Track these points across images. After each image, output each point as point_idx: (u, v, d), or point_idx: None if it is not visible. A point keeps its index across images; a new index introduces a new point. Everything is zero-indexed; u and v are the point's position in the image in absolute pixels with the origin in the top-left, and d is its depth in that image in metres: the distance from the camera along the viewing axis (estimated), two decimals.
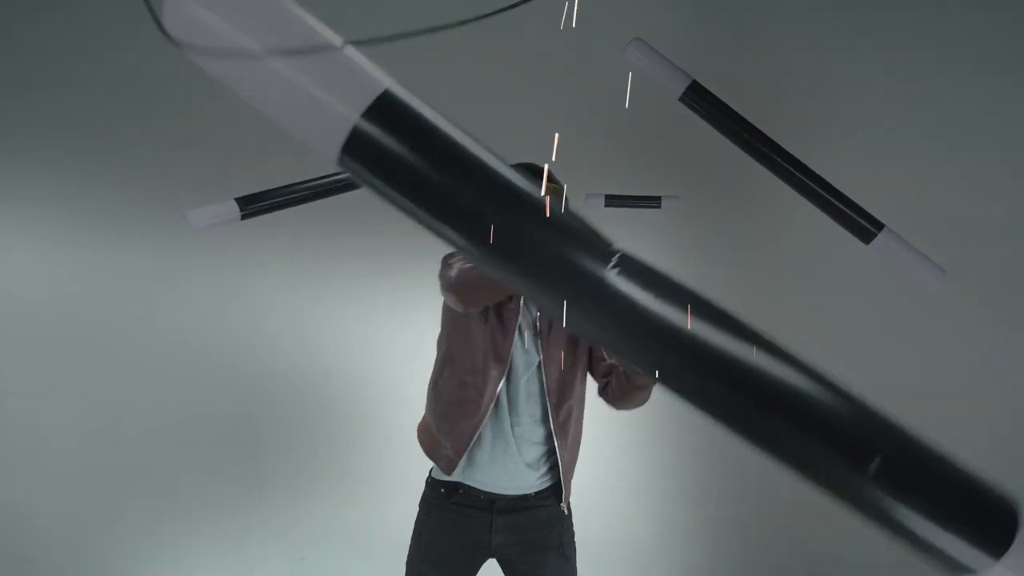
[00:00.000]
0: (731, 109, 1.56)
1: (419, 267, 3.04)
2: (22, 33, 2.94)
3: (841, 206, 1.59)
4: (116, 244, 2.98)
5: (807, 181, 1.58)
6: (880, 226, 1.60)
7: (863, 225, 1.60)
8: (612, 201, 2.36)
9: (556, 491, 1.87)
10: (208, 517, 3.00)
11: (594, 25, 2.80)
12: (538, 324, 1.84)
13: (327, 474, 3.03)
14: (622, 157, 2.91)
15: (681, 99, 1.56)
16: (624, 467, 3.11)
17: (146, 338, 2.99)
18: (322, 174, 2.07)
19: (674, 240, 2.97)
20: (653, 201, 2.49)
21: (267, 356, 3.02)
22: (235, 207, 1.84)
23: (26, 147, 2.97)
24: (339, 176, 2.04)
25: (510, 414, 1.80)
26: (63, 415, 2.97)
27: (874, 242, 1.60)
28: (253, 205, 1.89)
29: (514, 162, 1.61)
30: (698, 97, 1.54)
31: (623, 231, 2.70)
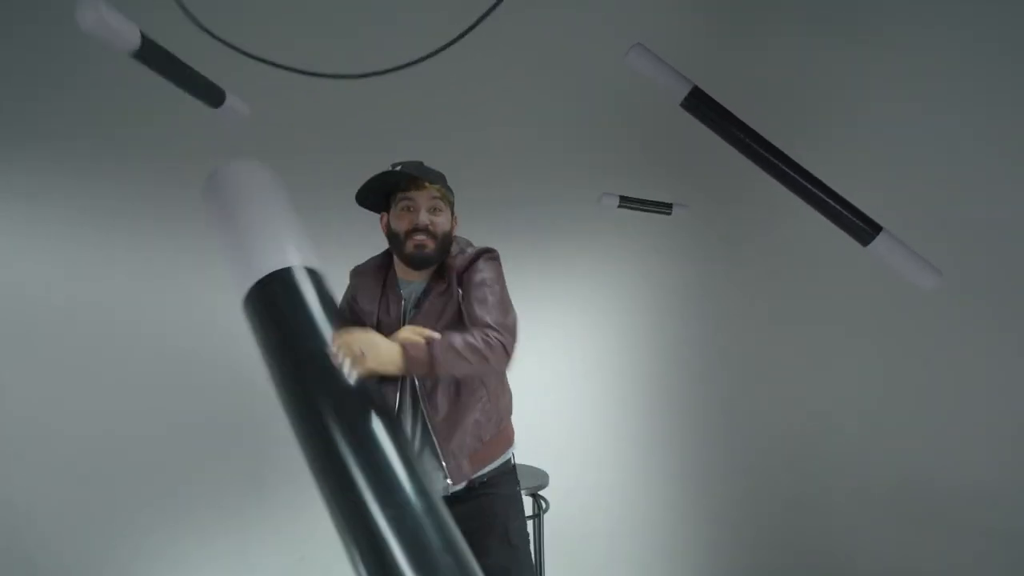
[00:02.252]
0: (732, 114, 1.56)
1: None
2: (22, 33, 2.93)
3: (840, 209, 1.60)
4: (116, 244, 2.98)
5: (806, 184, 1.59)
6: (878, 228, 1.61)
7: (861, 228, 1.61)
8: (626, 203, 2.37)
9: (506, 476, 1.85)
10: (208, 517, 3.00)
11: (597, 30, 2.81)
12: (405, 307, 1.80)
13: None
14: (623, 161, 2.92)
15: (682, 104, 1.57)
16: (623, 467, 3.12)
17: (146, 337, 2.99)
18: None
19: (675, 241, 2.99)
20: (664, 208, 2.50)
21: None
22: (137, 35, 1.58)
23: (26, 147, 2.97)
24: (215, 89, 1.90)
25: (425, 407, 1.76)
26: (63, 415, 2.97)
27: (872, 244, 1.61)
28: (148, 51, 1.62)
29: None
30: (699, 103, 1.55)
31: (624, 230, 2.72)
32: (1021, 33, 2.73)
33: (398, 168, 1.75)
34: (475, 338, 1.61)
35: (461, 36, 1.61)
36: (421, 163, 1.81)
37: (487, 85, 2.92)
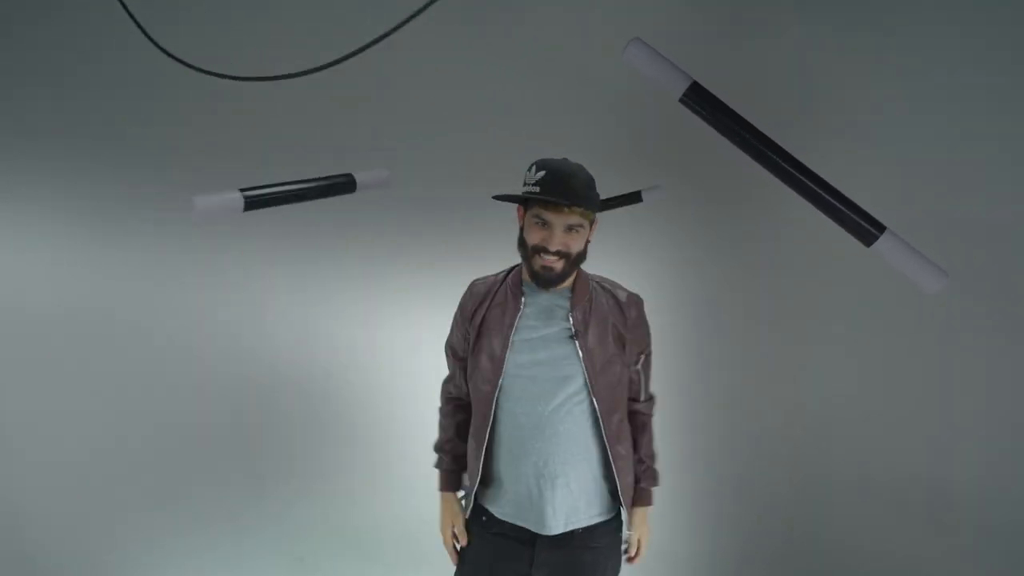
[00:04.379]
0: (732, 111, 1.53)
1: (420, 266, 3.04)
2: (22, 33, 2.93)
3: (843, 208, 1.57)
4: (116, 244, 2.98)
5: (808, 183, 1.56)
6: (882, 228, 1.58)
7: (865, 227, 1.58)
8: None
9: (610, 525, 1.74)
10: (208, 517, 3.00)
11: (594, 24, 2.79)
12: (570, 319, 1.65)
13: (327, 474, 3.03)
14: (621, 157, 2.91)
15: (681, 100, 1.54)
16: None
17: (146, 338, 2.99)
18: (324, 174, 2.06)
19: (675, 239, 2.97)
20: (634, 197, 2.45)
21: (267, 356, 3.02)
22: (239, 197, 1.80)
23: (26, 147, 2.97)
24: (342, 177, 2.02)
25: (541, 431, 1.62)
26: (63, 415, 2.97)
27: (876, 244, 1.58)
28: (256, 195, 1.82)
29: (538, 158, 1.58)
30: (698, 98, 1.52)
31: (623, 228, 2.70)
32: (1021, 32, 2.71)
33: (535, 187, 1.55)
34: (651, 437, 1.84)
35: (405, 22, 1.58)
36: (564, 169, 1.57)
37: (484, 84, 2.91)
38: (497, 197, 1.62)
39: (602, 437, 1.65)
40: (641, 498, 1.79)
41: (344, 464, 3.04)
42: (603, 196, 2.45)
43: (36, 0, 2.93)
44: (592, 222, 1.65)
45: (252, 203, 1.77)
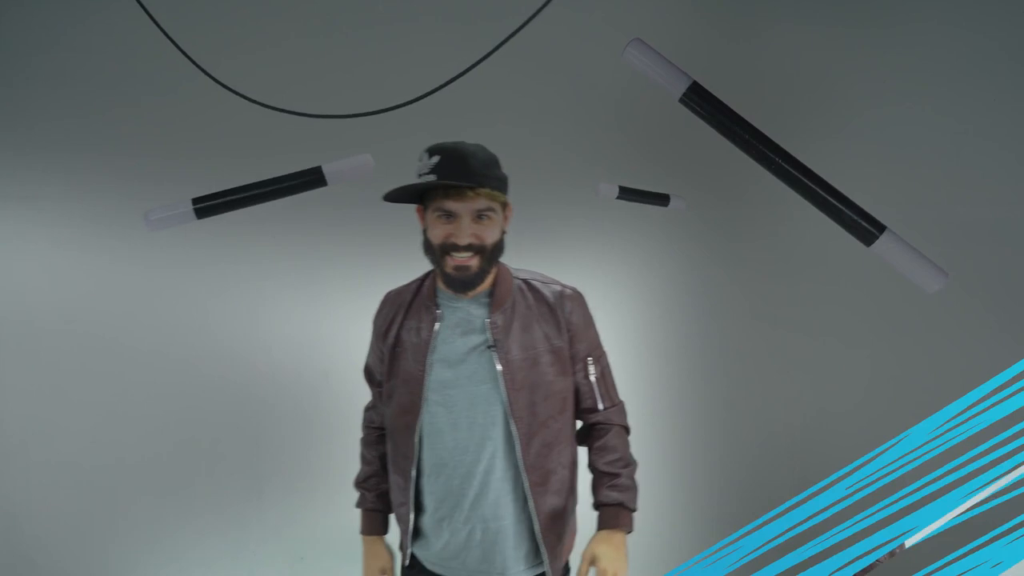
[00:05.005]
0: (732, 111, 1.53)
1: (417, 266, 3.04)
2: (20, 31, 2.93)
3: (843, 208, 1.57)
4: (115, 244, 2.98)
5: (808, 183, 1.56)
6: (882, 228, 1.58)
7: (865, 227, 1.58)
8: (624, 194, 2.35)
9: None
10: (208, 517, 3.00)
11: (594, 24, 2.79)
12: (487, 327, 1.44)
13: (326, 474, 3.03)
14: (622, 156, 2.91)
15: (681, 100, 1.54)
16: None
17: (145, 338, 2.99)
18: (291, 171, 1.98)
19: (675, 239, 2.97)
20: (662, 199, 2.48)
21: (266, 356, 3.02)
22: (189, 207, 1.70)
23: (25, 147, 2.97)
24: (308, 172, 1.91)
25: (462, 466, 1.43)
26: (63, 415, 2.97)
27: (876, 244, 1.58)
28: (208, 205, 1.72)
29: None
30: (698, 98, 1.52)
31: (625, 228, 2.72)
32: (1021, 32, 2.71)
33: (430, 175, 1.34)
34: (624, 446, 1.56)
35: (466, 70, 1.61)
36: (460, 149, 1.36)
37: (484, 83, 2.91)
38: (388, 196, 1.39)
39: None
40: (604, 520, 1.50)
41: (344, 463, 3.03)
42: (627, 187, 2.47)
43: (34, 1, 2.93)
44: (504, 206, 1.44)
45: (204, 211, 1.69)
